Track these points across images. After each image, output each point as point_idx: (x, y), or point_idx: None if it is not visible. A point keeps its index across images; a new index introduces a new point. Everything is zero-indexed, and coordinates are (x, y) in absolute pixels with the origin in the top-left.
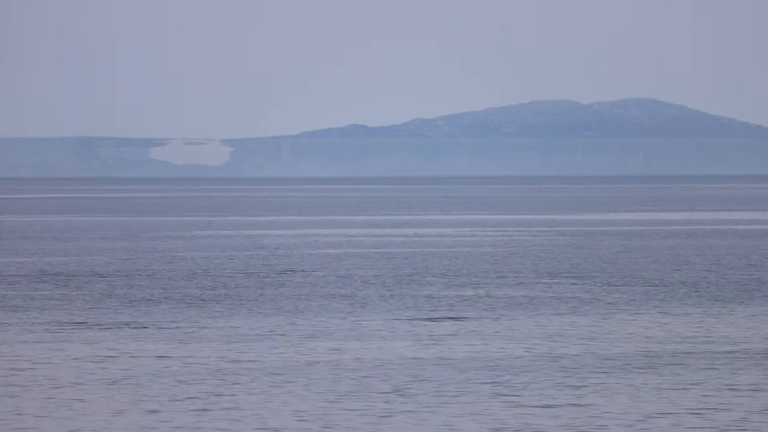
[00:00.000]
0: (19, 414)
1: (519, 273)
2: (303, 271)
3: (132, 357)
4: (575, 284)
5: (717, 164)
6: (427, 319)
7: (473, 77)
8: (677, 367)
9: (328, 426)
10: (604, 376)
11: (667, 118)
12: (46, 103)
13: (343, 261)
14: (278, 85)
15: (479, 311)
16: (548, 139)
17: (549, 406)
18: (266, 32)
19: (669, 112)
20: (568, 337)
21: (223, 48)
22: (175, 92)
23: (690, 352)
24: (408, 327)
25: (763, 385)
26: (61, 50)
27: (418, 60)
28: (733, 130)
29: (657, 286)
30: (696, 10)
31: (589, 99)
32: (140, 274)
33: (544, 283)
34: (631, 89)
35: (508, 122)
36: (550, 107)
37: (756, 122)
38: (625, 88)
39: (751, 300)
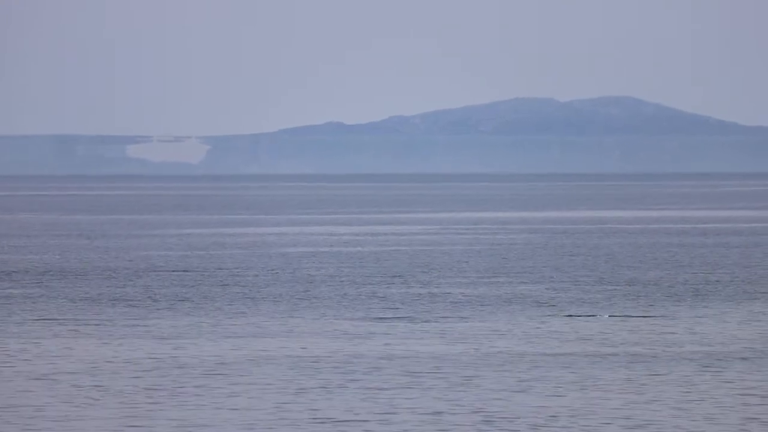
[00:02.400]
0: None
1: (478, 272)
2: (251, 270)
3: (64, 353)
4: (524, 283)
5: (694, 162)
6: (366, 319)
7: (452, 75)
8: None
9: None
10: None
11: (645, 116)
12: (23, 100)
13: (302, 260)
14: (278, 84)
15: (420, 311)
16: (526, 137)
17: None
18: (264, 32)
19: (647, 110)
20: (501, 337)
21: (221, 48)
22: (174, 90)
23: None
24: (346, 326)
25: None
26: (46, 49)
27: (402, 58)
28: (710, 127)
29: (605, 284)
30: (674, 10)
31: (568, 97)
32: (89, 273)
33: (494, 282)
34: (610, 87)
35: (486, 120)
36: (529, 105)
37: (732, 120)
38: (604, 86)
39: (697, 301)
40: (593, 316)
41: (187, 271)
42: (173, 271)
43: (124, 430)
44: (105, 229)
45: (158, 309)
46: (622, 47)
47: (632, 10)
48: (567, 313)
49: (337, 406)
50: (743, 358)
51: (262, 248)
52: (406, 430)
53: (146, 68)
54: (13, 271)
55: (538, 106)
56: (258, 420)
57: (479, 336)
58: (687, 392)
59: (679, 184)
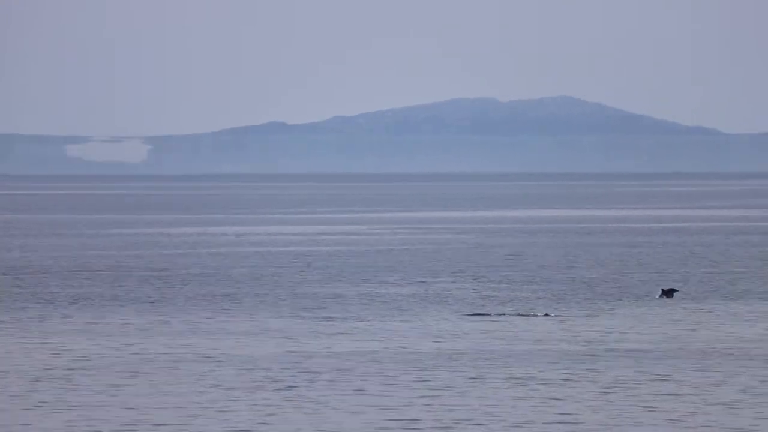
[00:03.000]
0: None
1: (406, 272)
2: (184, 269)
3: None
4: (453, 283)
5: (624, 161)
6: (297, 318)
7: (393, 76)
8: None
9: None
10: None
11: (584, 116)
12: None
13: (237, 259)
14: (219, 83)
15: (351, 311)
16: (467, 137)
17: (392, 401)
18: (205, 31)
19: (586, 110)
20: (422, 336)
21: (163, 48)
22: (115, 90)
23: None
24: (275, 325)
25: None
26: None
27: (342, 59)
28: (648, 127)
29: (535, 284)
30: (607, 7)
31: (508, 97)
32: (22, 273)
33: (426, 282)
34: (550, 87)
35: (428, 120)
36: (469, 105)
37: (671, 119)
38: (544, 86)
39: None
40: (525, 315)
41: (121, 270)
42: (106, 270)
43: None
44: (42, 228)
45: (87, 308)
46: (562, 47)
47: (566, 9)
48: (498, 312)
49: (260, 407)
50: (669, 357)
51: (197, 248)
52: (333, 430)
53: (84, 68)
54: None
55: (479, 106)
56: (188, 418)
57: (408, 334)
58: (609, 390)
59: (612, 184)
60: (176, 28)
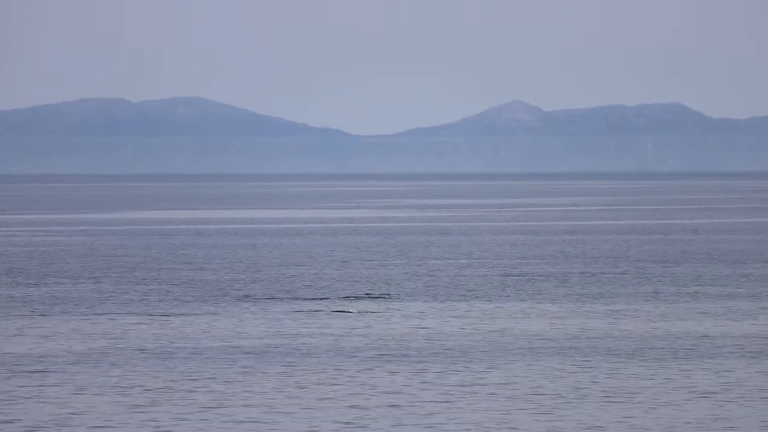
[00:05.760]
0: None
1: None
2: None
3: None
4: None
5: (267, 163)
6: None
7: (15, 74)
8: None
9: None
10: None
11: (216, 117)
12: None
13: None
14: None
15: None
16: (96, 138)
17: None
18: None
19: (217, 111)
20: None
21: None
22: None
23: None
24: None
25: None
26: None
27: None
28: (282, 128)
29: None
30: (241, 11)
31: (138, 97)
32: None
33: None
34: (180, 88)
35: (55, 120)
36: (98, 105)
37: (302, 121)
38: (174, 87)
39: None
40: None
41: None
42: None
43: None
44: None
45: None
46: (191, 49)
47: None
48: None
49: None
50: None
51: None
52: None
53: None
54: None
55: (109, 107)
56: None
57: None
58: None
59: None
60: None
